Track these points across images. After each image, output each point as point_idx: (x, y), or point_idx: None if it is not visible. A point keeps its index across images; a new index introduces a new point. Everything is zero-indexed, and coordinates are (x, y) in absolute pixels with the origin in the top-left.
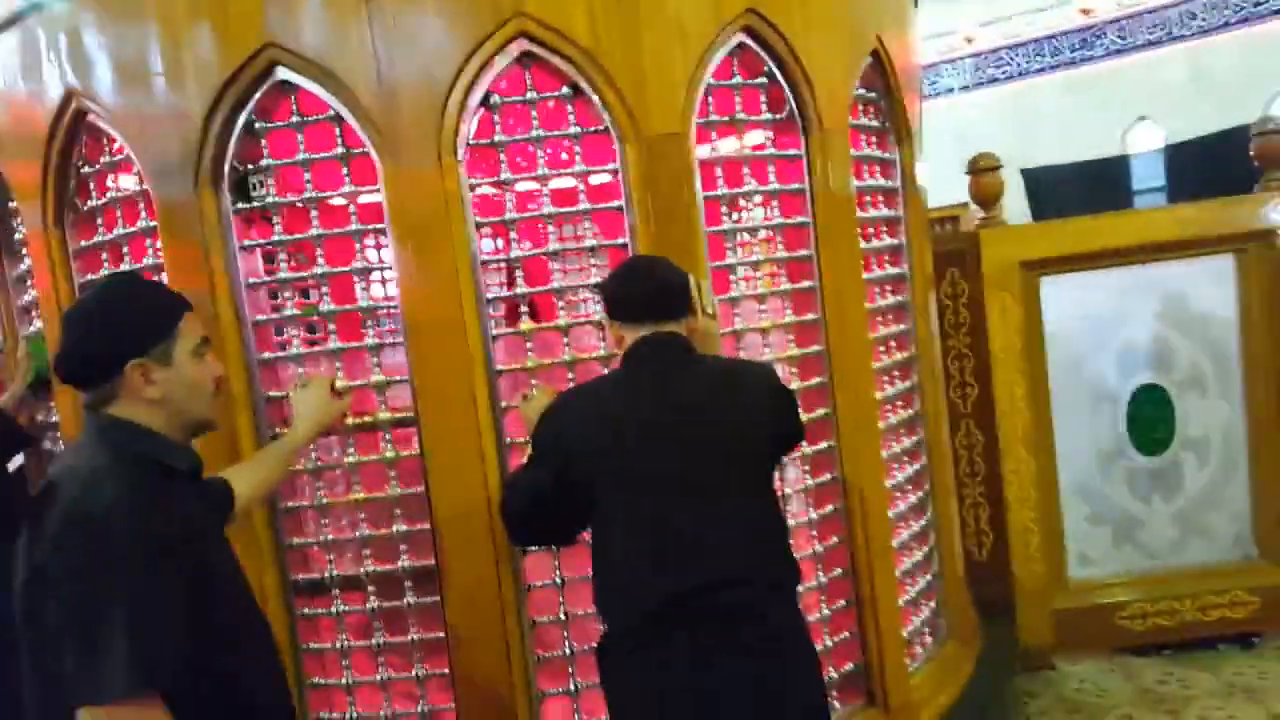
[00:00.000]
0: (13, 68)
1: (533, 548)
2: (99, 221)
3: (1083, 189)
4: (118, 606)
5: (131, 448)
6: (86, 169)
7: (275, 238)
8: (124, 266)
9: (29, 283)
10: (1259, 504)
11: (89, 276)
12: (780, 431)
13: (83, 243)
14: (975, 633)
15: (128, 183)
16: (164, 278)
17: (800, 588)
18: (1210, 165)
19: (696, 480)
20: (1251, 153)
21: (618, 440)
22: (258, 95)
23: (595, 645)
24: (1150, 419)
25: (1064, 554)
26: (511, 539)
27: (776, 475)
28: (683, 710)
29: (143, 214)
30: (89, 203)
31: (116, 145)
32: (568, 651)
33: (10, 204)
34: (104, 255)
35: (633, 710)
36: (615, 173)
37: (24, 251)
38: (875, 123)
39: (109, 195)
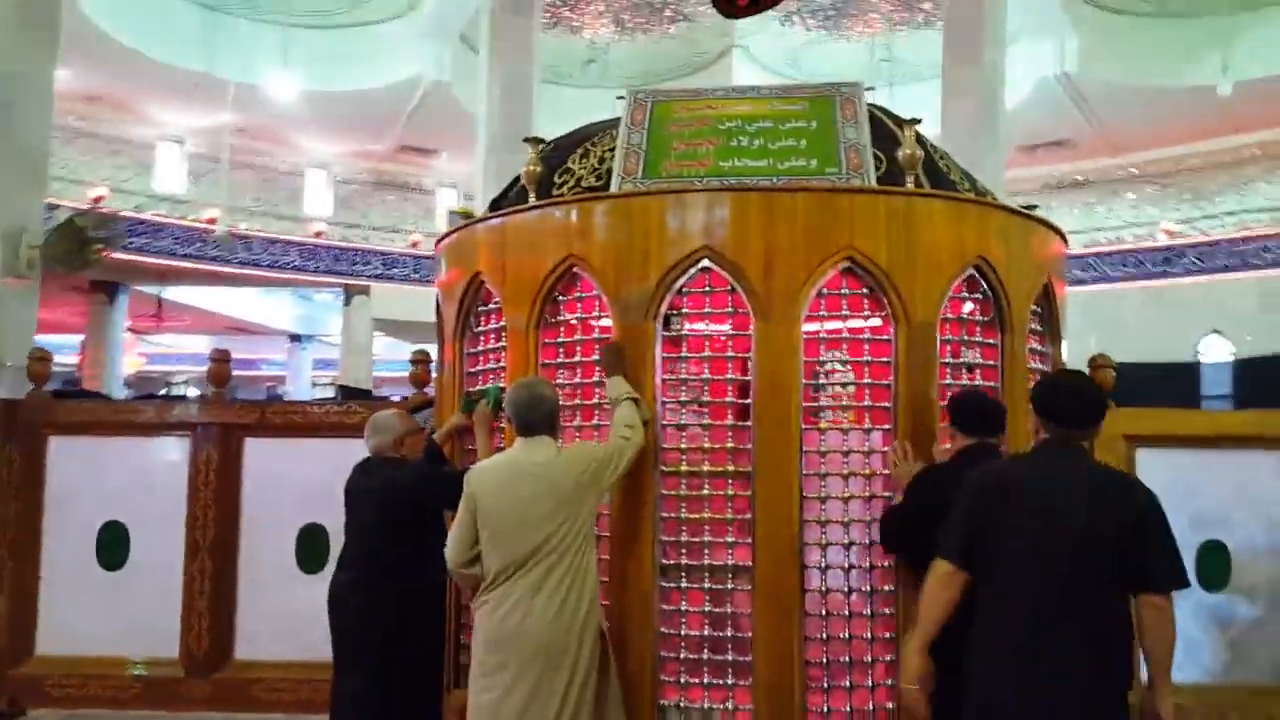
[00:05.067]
0: (534, 234)
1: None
2: (560, 329)
3: (1156, 388)
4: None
5: None
6: (559, 298)
7: (682, 353)
8: (576, 358)
9: (481, 357)
10: None
11: (546, 361)
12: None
13: (545, 340)
14: None
15: (584, 310)
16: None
17: None
18: (1272, 379)
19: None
20: None
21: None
22: (690, 272)
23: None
24: (1214, 565)
25: None
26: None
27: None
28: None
29: (595, 330)
30: (557, 317)
31: (590, 289)
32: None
33: (480, 307)
34: (560, 350)
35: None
36: (889, 342)
37: (481, 336)
38: (1040, 328)
39: (571, 316)
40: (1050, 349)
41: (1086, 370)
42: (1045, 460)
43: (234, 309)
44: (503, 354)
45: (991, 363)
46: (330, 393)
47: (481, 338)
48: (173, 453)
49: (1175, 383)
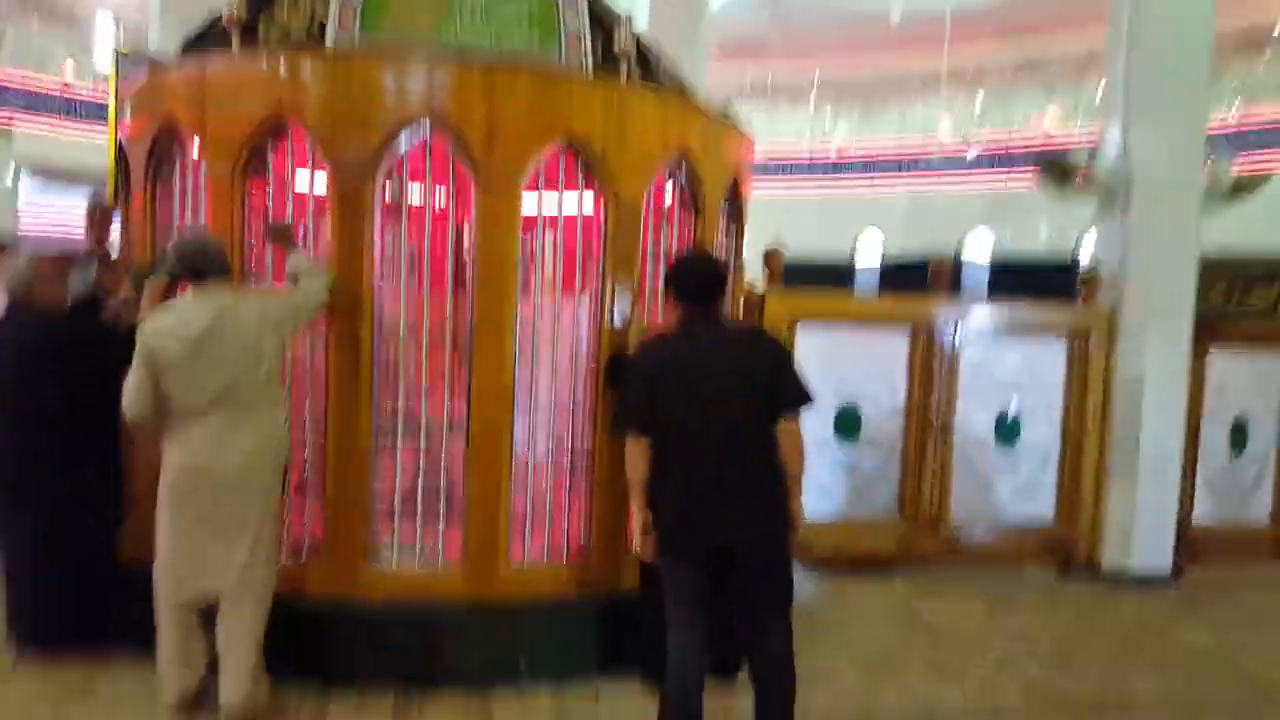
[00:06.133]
0: (241, 84)
1: None
2: (269, 184)
3: (819, 282)
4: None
5: None
6: (268, 150)
7: (401, 219)
8: (288, 217)
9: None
10: (905, 481)
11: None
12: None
13: (251, 192)
14: None
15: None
16: (327, 226)
17: None
18: (913, 278)
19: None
20: (928, 274)
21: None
22: (411, 138)
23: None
24: (849, 423)
25: None
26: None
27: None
28: None
29: (311, 188)
30: (266, 169)
31: (302, 141)
32: None
33: (175, 155)
34: (270, 203)
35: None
36: (600, 219)
37: (175, 185)
38: (727, 219)
39: (284, 171)
40: (733, 239)
41: (762, 258)
42: (694, 331)
43: None
44: (198, 204)
45: (681, 246)
46: None
47: (177, 187)
48: None
49: (834, 278)
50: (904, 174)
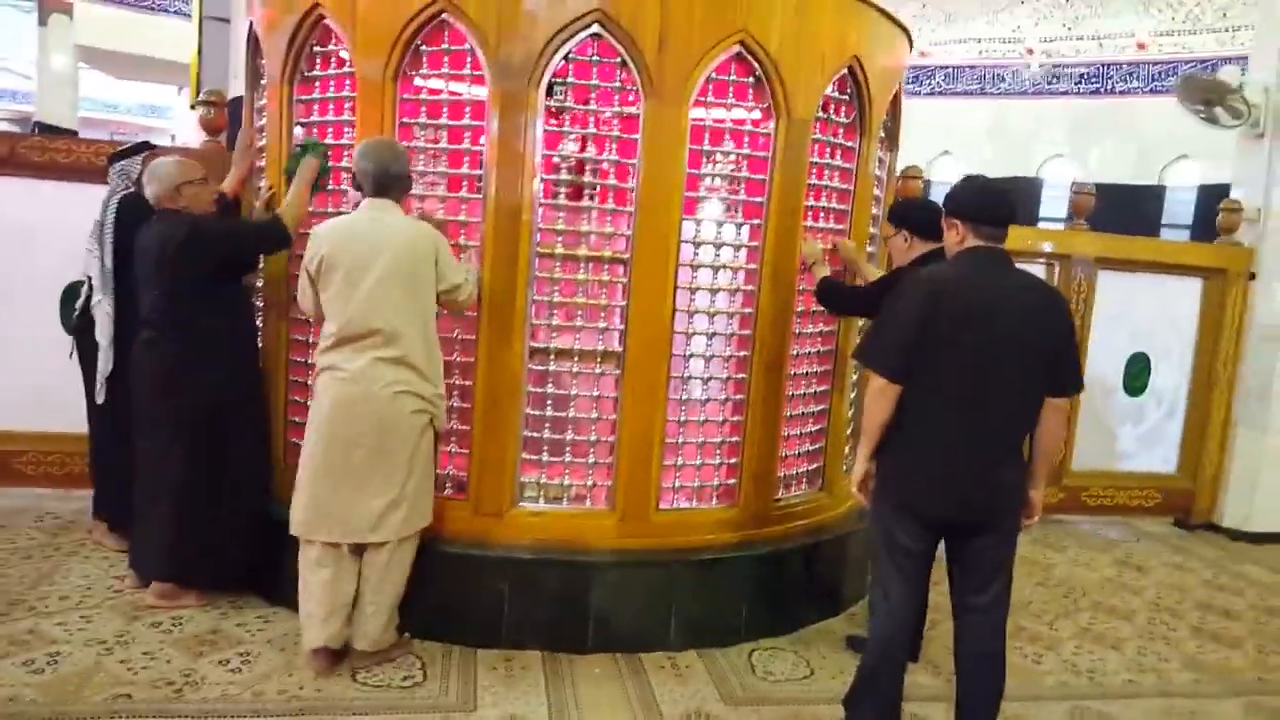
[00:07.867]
0: None
1: None
2: (424, 88)
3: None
4: None
5: None
6: (424, 49)
7: (565, 126)
8: (443, 120)
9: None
10: (1185, 436)
11: (405, 119)
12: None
13: (405, 95)
14: None
15: (452, 67)
16: (486, 139)
17: None
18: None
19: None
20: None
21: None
22: (579, 37)
23: None
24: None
25: None
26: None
27: None
28: None
29: (468, 92)
30: (420, 71)
31: (460, 41)
32: None
33: (317, 49)
34: (423, 109)
35: None
36: (770, 136)
37: (317, 83)
38: (883, 135)
39: (440, 71)
40: (889, 156)
41: (899, 179)
42: (981, 268)
43: None
44: (344, 105)
45: (847, 165)
46: (18, 130)
47: (318, 84)
48: None
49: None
50: (985, 89)
